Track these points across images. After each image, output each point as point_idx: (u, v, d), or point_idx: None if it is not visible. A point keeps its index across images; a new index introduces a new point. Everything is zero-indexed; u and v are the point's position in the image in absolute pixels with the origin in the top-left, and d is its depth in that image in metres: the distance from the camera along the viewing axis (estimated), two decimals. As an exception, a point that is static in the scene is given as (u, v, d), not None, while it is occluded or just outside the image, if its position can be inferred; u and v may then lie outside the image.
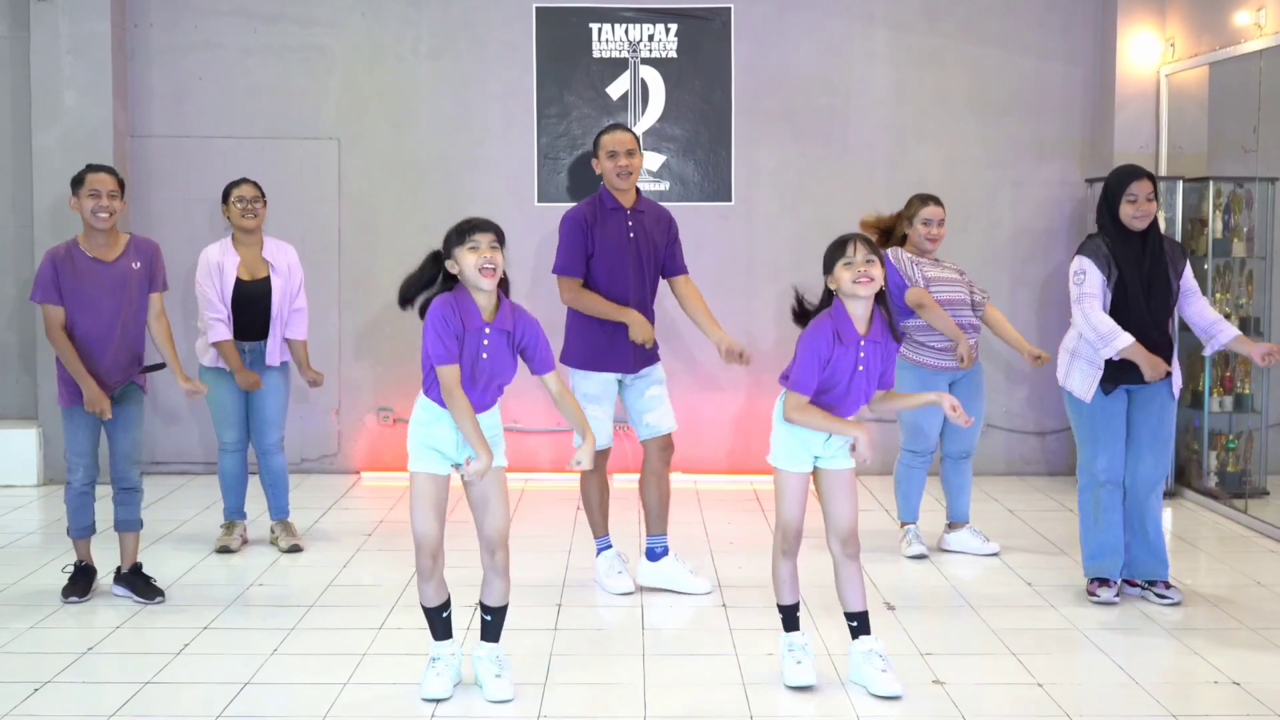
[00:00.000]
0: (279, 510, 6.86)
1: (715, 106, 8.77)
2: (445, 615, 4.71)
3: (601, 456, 6.03)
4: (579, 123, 8.76)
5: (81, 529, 5.91)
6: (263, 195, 6.75)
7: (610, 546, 6.14)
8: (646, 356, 5.98)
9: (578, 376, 5.97)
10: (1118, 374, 5.72)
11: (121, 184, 5.84)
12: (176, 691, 4.77)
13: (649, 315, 5.99)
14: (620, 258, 5.92)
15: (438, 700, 4.63)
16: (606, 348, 5.93)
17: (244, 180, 6.76)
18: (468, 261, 4.46)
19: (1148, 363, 5.61)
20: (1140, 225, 5.68)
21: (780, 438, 4.74)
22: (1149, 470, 5.82)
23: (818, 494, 4.79)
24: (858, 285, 4.55)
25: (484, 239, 4.47)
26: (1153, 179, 5.73)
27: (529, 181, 8.78)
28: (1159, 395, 5.78)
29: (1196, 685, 4.92)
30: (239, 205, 6.65)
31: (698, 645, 5.32)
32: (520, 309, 4.65)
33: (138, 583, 5.88)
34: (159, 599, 5.82)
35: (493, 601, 4.68)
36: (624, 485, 7.73)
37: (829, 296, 4.68)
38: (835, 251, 4.62)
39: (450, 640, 4.75)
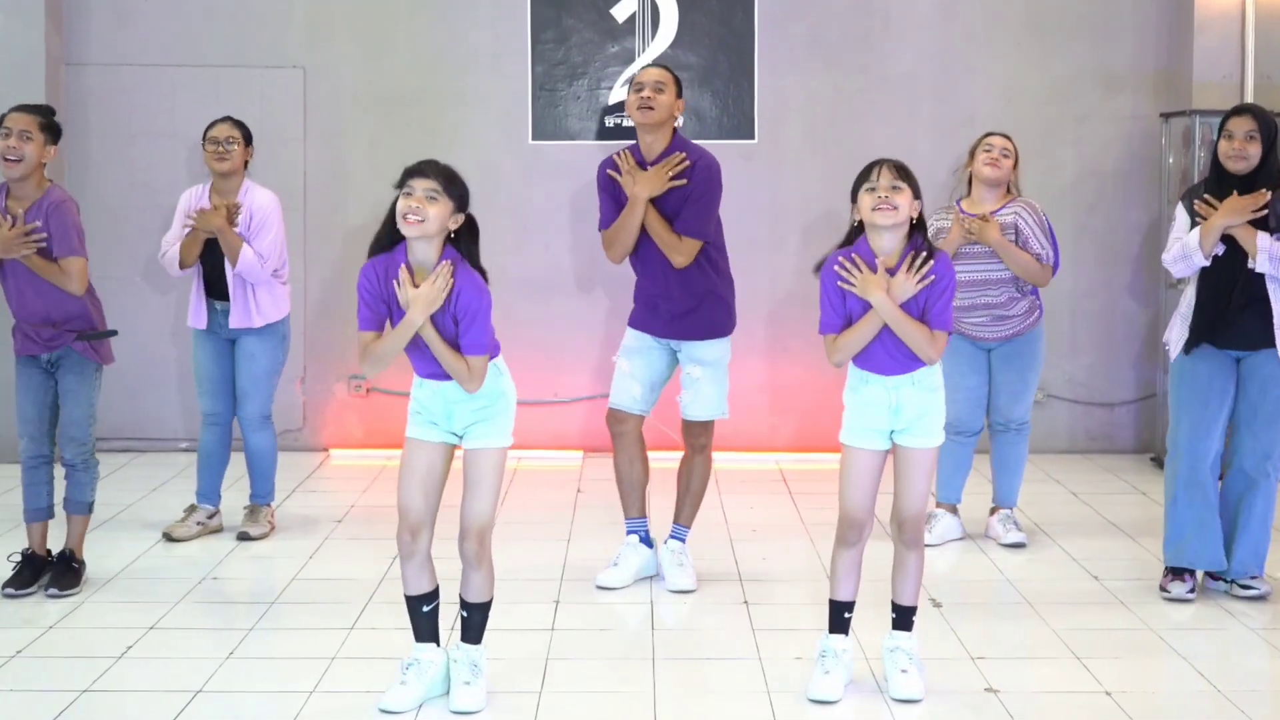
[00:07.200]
0: (253, 493, 6.92)
1: (736, 30, 8.68)
2: (427, 610, 4.67)
3: (617, 421, 6.00)
4: (579, 49, 8.67)
5: (31, 511, 5.93)
6: (244, 135, 6.76)
7: (635, 531, 6.08)
8: (686, 328, 5.91)
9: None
10: (1206, 331, 5.70)
11: (47, 127, 5.83)
12: (118, 700, 4.74)
13: (664, 286, 5.88)
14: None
15: (393, 713, 4.56)
16: (642, 305, 6.03)
17: (222, 119, 6.80)
18: (398, 206, 4.46)
19: (1222, 212, 5.56)
20: (1237, 167, 5.67)
21: (846, 410, 4.75)
22: (1246, 453, 5.80)
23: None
24: (877, 213, 4.58)
25: (419, 185, 4.44)
26: (1260, 117, 5.69)
27: (522, 116, 8.71)
28: (1266, 365, 5.70)
29: (1288, 694, 4.91)
30: (210, 147, 6.72)
31: (715, 648, 5.31)
32: (467, 273, 4.50)
33: (59, 569, 5.88)
34: (71, 592, 5.79)
35: (469, 597, 4.66)
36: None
37: (856, 231, 4.71)
38: (861, 176, 4.67)
39: (433, 645, 4.70)
